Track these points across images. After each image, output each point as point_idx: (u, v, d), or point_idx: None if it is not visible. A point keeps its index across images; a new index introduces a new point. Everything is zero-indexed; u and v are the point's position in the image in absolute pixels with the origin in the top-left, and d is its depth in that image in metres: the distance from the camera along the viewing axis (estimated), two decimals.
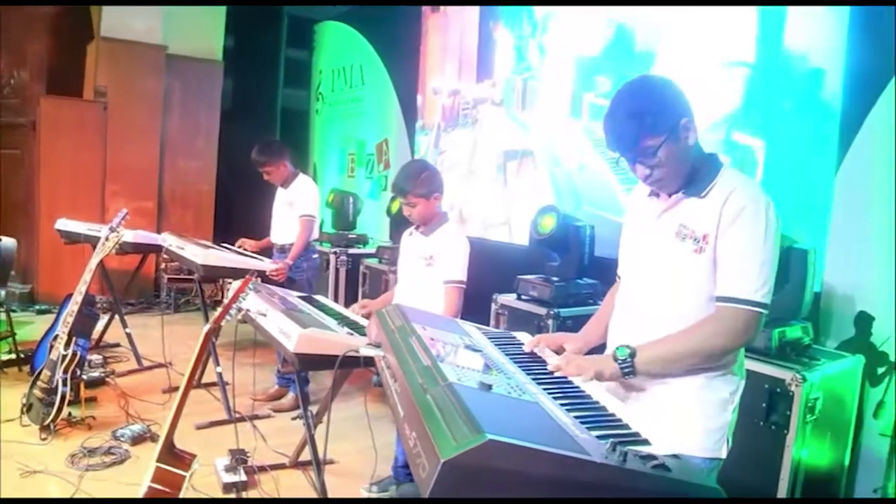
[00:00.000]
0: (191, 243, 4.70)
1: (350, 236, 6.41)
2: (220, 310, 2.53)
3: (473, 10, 5.98)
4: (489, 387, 1.48)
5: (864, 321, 3.24)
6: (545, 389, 1.68)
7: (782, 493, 2.77)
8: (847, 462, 3.20)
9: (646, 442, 1.44)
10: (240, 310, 2.75)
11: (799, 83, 3.52)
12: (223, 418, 4.36)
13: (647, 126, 1.80)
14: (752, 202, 1.79)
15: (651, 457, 1.31)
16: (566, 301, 3.85)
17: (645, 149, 1.82)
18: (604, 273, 4.05)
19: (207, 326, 2.51)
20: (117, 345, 5.75)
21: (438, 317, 2.41)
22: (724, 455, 1.92)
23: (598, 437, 1.39)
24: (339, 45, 8.29)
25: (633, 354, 1.83)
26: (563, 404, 1.58)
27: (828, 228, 3.35)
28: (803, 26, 3.52)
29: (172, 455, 2.41)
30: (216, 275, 4.33)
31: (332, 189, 6.95)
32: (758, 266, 1.77)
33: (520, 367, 1.88)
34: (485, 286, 4.46)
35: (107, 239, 4.09)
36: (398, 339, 1.87)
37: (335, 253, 6.11)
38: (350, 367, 2.41)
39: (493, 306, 4.14)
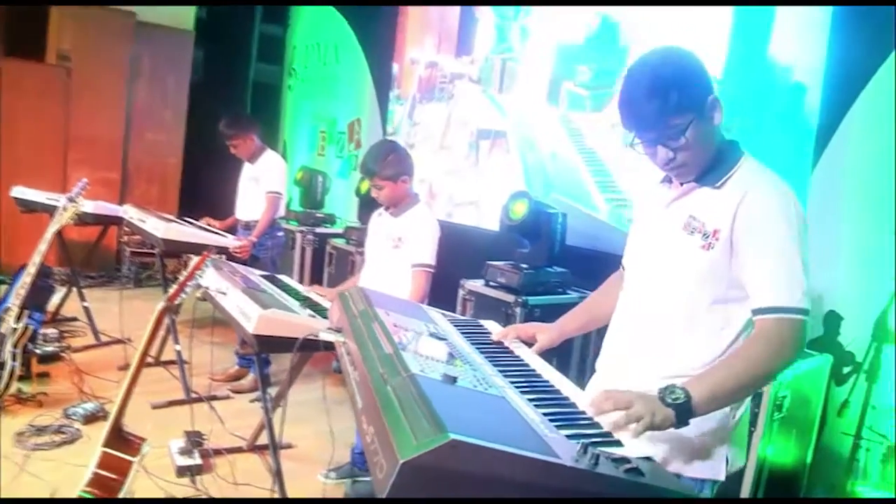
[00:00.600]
0: (153, 216, 4.56)
1: (317, 215, 6.28)
2: (174, 287, 2.42)
3: None
4: (454, 379, 1.40)
5: (832, 321, 3.23)
6: (512, 382, 1.61)
7: (746, 490, 2.74)
8: (809, 460, 3.20)
9: (618, 443, 1.37)
10: (199, 287, 2.65)
11: (777, 90, 3.50)
12: (180, 398, 4.25)
13: (675, 102, 1.59)
14: (778, 199, 1.62)
15: (624, 460, 1.25)
16: (535, 289, 3.78)
17: (671, 128, 1.62)
18: (574, 262, 4.01)
19: (161, 304, 2.40)
20: (74, 319, 5.57)
21: (403, 301, 2.33)
22: (721, 477, 1.72)
23: (568, 436, 1.31)
24: (314, 21, 8.10)
25: (688, 397, 1.49)
26: (531, 399, 1.50)
27: None
28: (783, 39, 3.49)
29: (120, 439, 2.28)
30: (177, 250, 4.19)
31: (300, 166, 6.81)
32: (795, 268, 1.59)
33: (486, 357, 1.80)
34: (452, 271, 4.38)
35: (64, 209, 3.94)
36: (360, 324, 1.79)
37: (302, 232, 5.98)
38: (310, 350, 2.33)
39: (461, 292, 4.06)
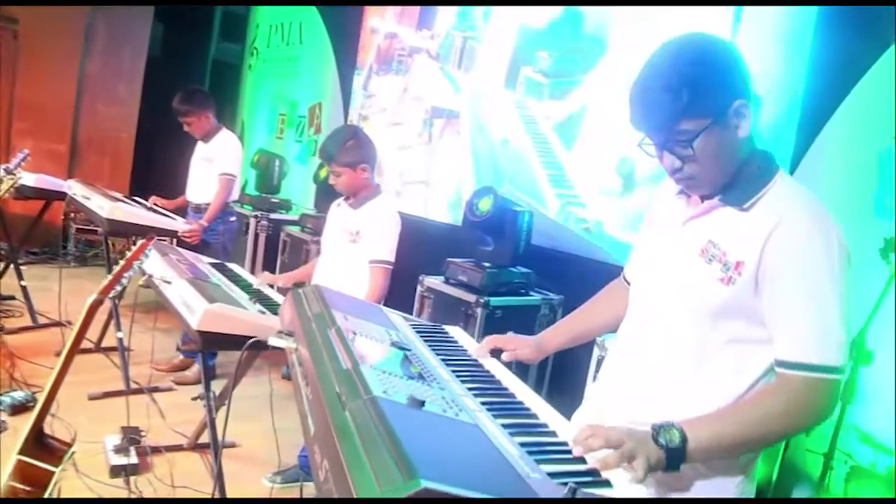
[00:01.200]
0: (98, 194, 4.31)
1: (273, 200, 6.05)
2: (109, 278, 2.20)
3: None
4: (421, 403, 1.23)
5: None
6: (485, 404, 1.44)
7: None
8: (774, 477, 3.09)
9: (606, 483, 1.21)
10: (143, 273, 2.45)
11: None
12: (120, 389, 4.00)
13: (688, 103, 1.36)
14: (819, 234, 1.38)
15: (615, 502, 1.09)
16: (497, 289, 3.61)
17: (679, 133, 1.40)
18: (539, 263, 3.87)
19: (92, 298, 2.18)
20: (12, 297, 5.24)
21: (362, 304, 2.16)
22: None
23: (551, 474, 1.15)
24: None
25: (684, 439, 1.33)
26: (505, 426, 1.34)
27: None
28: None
29: (40, 445, 2.00)
30: (122, 231, 3.95)
31: (258, 149, 6.57)
32: (833, 319, 1.36)
33: (454, 372, 1.63)
34: (412, 265, 4.21)
35: (0, 180, 3.69)
36: (314, 329, 1.61)
37: (256, 217, 5.75)
38: (258, 349, 2.13)
39: (419, 288, 3.89)
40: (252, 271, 5.57)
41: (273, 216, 5.83)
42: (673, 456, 1.32)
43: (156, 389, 4.11)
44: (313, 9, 7.01)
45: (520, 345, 1.87)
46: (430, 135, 5.36)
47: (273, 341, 1.67)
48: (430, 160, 5.33)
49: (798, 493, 3.11)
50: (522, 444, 1.26)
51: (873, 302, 2.85)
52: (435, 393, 1.36)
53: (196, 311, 2.40)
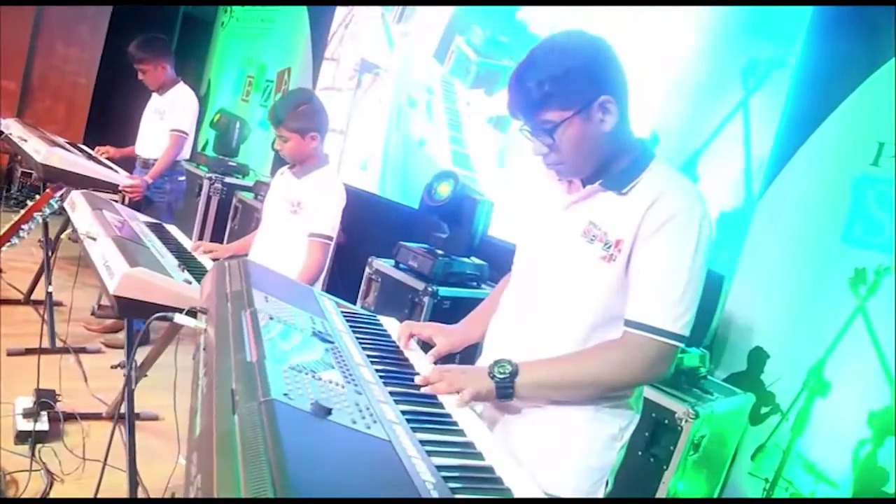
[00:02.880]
0: (37, 136, 4.05)
1: (230, 164, 5.80)
2: (3, 230, 1.99)
3: None
4: (327, 411, 1.06)
5: (758, 357, 3.04)
6: (405, 413, 1.28)
7: None
8: (716, 496, 3.01)
9: None
10: (73, 230, 2.24)
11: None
12: (44, 347, 3.77)
13: (549, 95, 1.43)
14: (684, 209, 1.45)
15: None
16: (447, 279, 3.46)
17: (542, 122, 1.47)
18: (496, 256, 3.72)
19: None
20: None
21: (292, 284, 1.98)
22: (600, 495, 1.62)
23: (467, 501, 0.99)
24: None
25: (514, 373, 1.47)
26: (424, 442, 1.18)
27: (739, 256, 3.13)
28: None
29: None
30: (58, 178, 3.68)
31: (219, 109, 6.32)
32: (681, 289, 1.44)
33: (378, 373, 1.46)
34: (364, 244, 4.06)
35: None
36: (228, 309, 1.43)
37: (210, 179, 5.51)
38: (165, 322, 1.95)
39: (367, 270, 3.71)
40: (201, 235, 5.36)
41: (228, 180, 5.59)
42: (502, 386, 1.47)
43: (83, 350, 3.89)
44: None
45: (440, 331, 1.84)
46: (360, 81, 5.28)
47: (179, 319, 1.49)
48: (351, 112, 5.28)
49: None
50: (440, 468, 1.10)
51: (836, 332, 2.76)
52: (349, 398, 1.19)
53: (115, 274, 2.20)
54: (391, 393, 1.36)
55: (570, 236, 1.55)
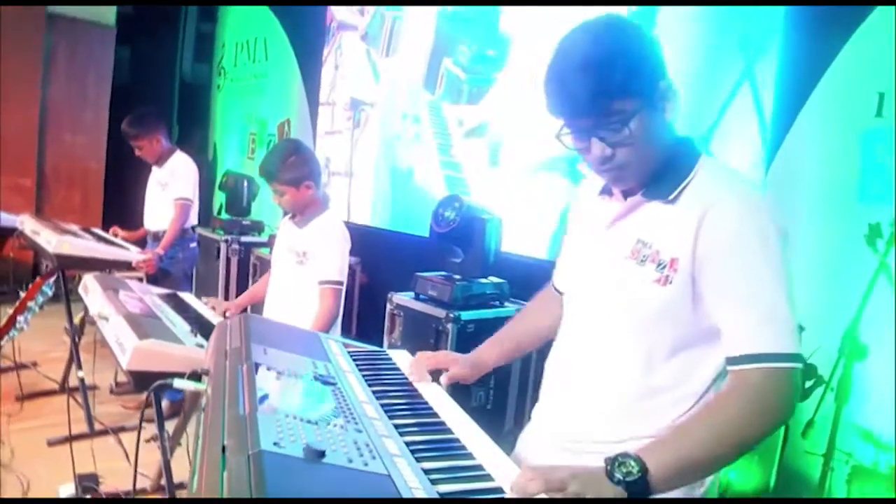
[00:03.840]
0: (48, 228, 4.10)
1: (244, 223, 5.85)
2: (3, 322, 2.01)
3: None
4: (320, 454, 1.04)
5: None
6: (409, 444, 1.25)
7: None
8: (773, 483, 2.93)
9: None
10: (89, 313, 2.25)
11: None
12: (84, 431, 3.79)
13: (619, 81, 1.23)
14: (749, 214, 1.27)
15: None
16: (468, 302, 3.43)
17: (612, 114, 1.26)
18: (513, 272, 3.69)
19: None
20: None
21: (296, 332, 1.97)
22: None
23: None
24: (244, 17, 7.64)
25: (643, 469, 1.16)
26: (428, 470, 1.15)
27: None
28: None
29: None
30: (73, 265, 3.74)
31: (225, 171, 6.39)
32: (778, 303, 1.24)
33: (384, 407, 1.43)
34: (382, 281, 4.05)
35: None
36: (227, 367, 1.42)
37: (227, 241, 5.55)
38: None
39: (389, 306, 3.69)
40: (225, 297, 5.39)
41: (244, 239, 5.63)
42: (634, 490, 1.14)
43: (122, 429, 3.90)
44: (277, 23, 6.84)
45: (451, 363, 1.70)
46: (358, 121, 5.31)
47: (178, 384, 1.49)
48: (353, 150, 5.33)
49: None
50: (443, 494, 1.07)
51: (862, 293, 2.68)
52: (347, 437, 1.16)
53: (126, 350, 2.21)
54: (396, 426, 1.33)
55: (618, 259, 1.39)
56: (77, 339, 3.96)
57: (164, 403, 4.20)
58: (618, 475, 1.15)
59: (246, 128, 7.44)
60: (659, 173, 1.35)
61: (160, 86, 8.19)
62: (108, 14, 7.40)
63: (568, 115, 1.31)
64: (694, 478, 1.28)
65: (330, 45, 5.96)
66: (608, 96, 1.24)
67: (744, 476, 2.64)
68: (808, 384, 2.91)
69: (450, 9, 4.50)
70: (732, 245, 1.25)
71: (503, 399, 3.47)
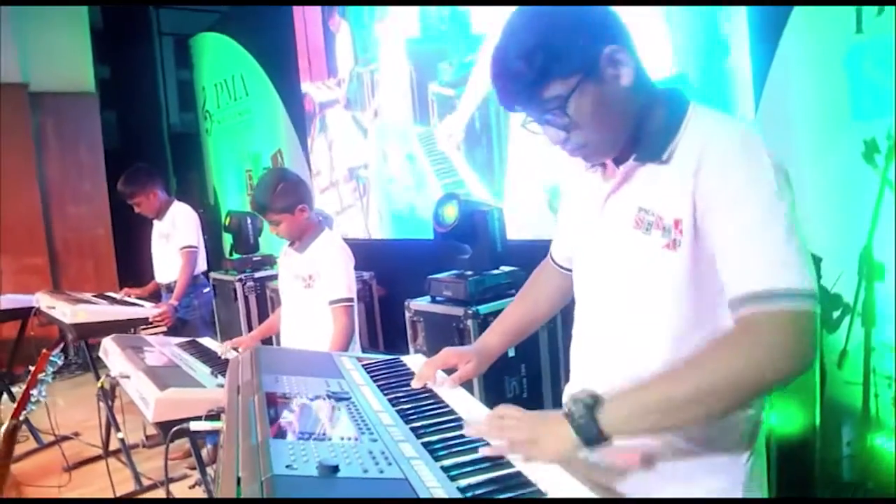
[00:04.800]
0: (62, 300, 4.15)
1: (255, 259, 5.85)
2: (17, 401, 2.02)
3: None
4: (334, 469, 1.03)
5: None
6: (426, 445, 1.24)
7: None
8: (818, 421, 2.87)
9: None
10: (108, 375, 2.27)
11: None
12: (133, 489, 3.83)
13: (545, 67, 1.18)
14: (744, 156, 1.18)
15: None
16: (483, 295, 3.40)
17: (548, 101, 1.21)
18: (521, 258, 3.67)
19: (5, 426, 2.00)
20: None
21: (306, 357, 1.97)
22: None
23: None
24: (216, 58, 7.71)
25: (590, 405, 1.16)
26: (447, 468, 1.14)
27: None
28: None
29: None
30: (91, 333, 3.77)
31: (227, 212, 6.41)
32: (784, 238, 1.12)
33: (400, 413, 1.43)
34: (399, 292, 4.05)
35: None
36: (239, 401, 1.42)
37: (241, 280, 5.56)
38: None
39: (407, 314, 3.68)
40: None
41: (258, 275, 5.63)
42: (583, 430, 1.15)
43: (170, 480, 3.91)
44: (249, 57, 6.88)
45: (459, 359, 1.66)
46: (365, 188, 5.35)
47: (196, 426, 1.49)
48: (365, 217, 5.40)
49: (847, 431, 2.90)
50: (464, 489, 1.06)
51: (870, 212, 2.63)
52: (361, 449, 1.16)
53: (150, 403, 2.22)
54: (413, 429, 1.32)
55: (622, 231, 1.31)
56: (111, 403, 4.00)
57: (208, 447, 4.24)
58: (570, 408, 1.17)
59: (241, 165, 7.49)
60: (646, 133, 1.29)
61: (151, 142, 8.27)
62: (87, 82, 7.46)
63: (511, 109, 1.31)
64: (662, 422, 1.17)
65: (314, 128, 6.07)
66: (535, 85, 1.21)
67: (786, 419, 2.58)
68: (836, 315, 2.87)
69: (418, 33, 4.50)
70: (732, 189, 1.16)
71: (538, 387, 3.45)
